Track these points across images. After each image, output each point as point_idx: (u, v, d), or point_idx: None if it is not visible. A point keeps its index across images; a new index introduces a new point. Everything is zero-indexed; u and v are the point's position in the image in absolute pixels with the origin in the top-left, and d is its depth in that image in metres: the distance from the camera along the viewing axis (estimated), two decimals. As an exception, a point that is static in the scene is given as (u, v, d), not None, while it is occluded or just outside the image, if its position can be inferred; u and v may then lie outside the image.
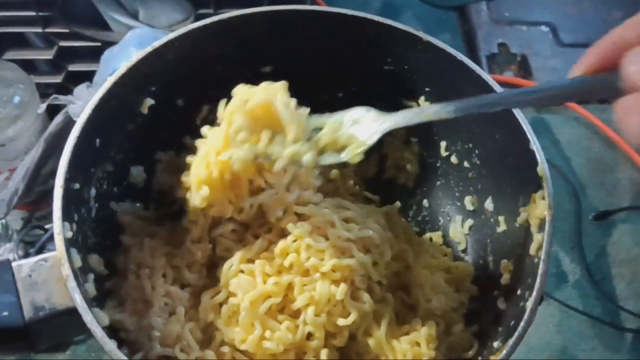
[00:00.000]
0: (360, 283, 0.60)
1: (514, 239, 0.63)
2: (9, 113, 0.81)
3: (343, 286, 0.58)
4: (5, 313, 0.50)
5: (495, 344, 0.56)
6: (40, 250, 0.78)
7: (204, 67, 0.68)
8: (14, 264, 0.53)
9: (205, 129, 0.61)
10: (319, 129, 0.56)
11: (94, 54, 0.89)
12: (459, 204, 0.73)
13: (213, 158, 0.58)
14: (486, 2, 1.26)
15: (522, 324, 0.52)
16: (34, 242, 0.81)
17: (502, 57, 1.18)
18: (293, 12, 0.67)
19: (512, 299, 0.59)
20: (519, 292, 0.57)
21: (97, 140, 0.60)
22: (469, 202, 0.72)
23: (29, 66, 0.92)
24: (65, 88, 0.93)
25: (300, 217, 0.62)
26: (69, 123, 0.78)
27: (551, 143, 1.07)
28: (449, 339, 0.63)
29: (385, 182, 0.78)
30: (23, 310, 0.51)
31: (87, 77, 0.85)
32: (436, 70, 0.66)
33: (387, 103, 0.58)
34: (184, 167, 0.70)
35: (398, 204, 0.74)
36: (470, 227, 0.72)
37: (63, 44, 0.94)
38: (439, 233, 0.75)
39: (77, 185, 0.57)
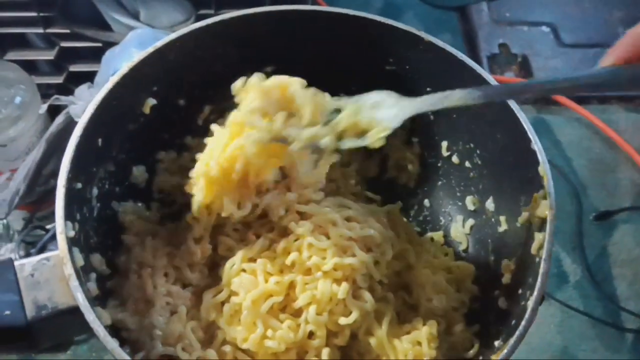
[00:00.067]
0: (361, 282, 0.60)
1: (515, 239, 0.63)
2: (10, 113, 0.81)
3: (345, 285, 0.58)
4: (8, 312, 0.51)
5: (496, 344, 0.56)
6: (41, 251, 0.78)
7: (205, 67, 0.68)
8: (16, 263, 0.53)
9: (214, 127, 0.61)
10: (336, 113, 0.55)
11: (95, 55, 0.89)
12: (460, 203, 0.73)
13: (221, 152, 0.57)
14: (487, 2, 1.26)
15: (523, 323, 0.52)
16: (35, 242, 0.81)
17: (503, 58, 1.18)
18: (294, 12, 0.67)
19: (513, 299, 0.59)
20: (520, 291, 0.57)
21: (99, 140, 0.61)
22: (470, 202, 0.72)
23: (30, 67, 0.92)
24: (67, 88, 0.94)
25: (302, 215, 0.62)
26: (70, 123, 0.78)
27: (552, 143, 1.08)
28: (450, 339, 0.63)
29: (386, 182, 0.78)
30: (25, 309, 0.51)
31: (88, 77, 0.85)
32: (437, 70, 0.66)
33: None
34: (186, 167, 0.70)
35: (399, 203, 0.74)
36: (472, 227, 0.72)
37: (64, 44, 0.94)
38: (440, 233, 0.75)
39: (79, 185, 0.57)
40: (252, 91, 0.56)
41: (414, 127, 0.74)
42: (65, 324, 0.53)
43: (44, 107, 0.82)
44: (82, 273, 0.53)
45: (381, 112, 0.54)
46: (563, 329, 0.89)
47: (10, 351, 0.59)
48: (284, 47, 0.68)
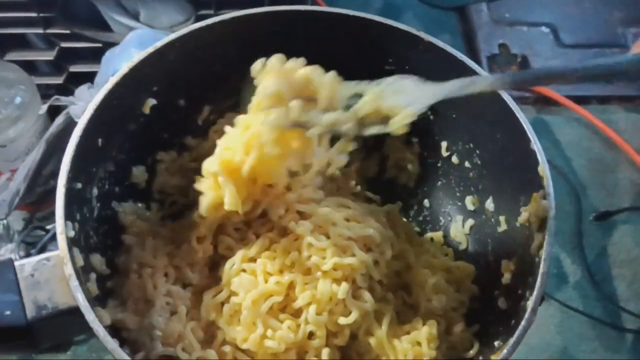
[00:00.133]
0: (361, 282, 0.60)
1: (514, 239, 0.63)
2: (10, 114, 0.81)
3: (345, 285, 0.58)
4: (8, 312, 0.51)
5: (496, 344, 0.57)
6: (41, 251, 0.77)
7: (205, 67, 0.68)
8: (16, 263, 0.53)
9: (227, 128, 0.60)
10: (356, 98, 0.53)
11: (95, 55, 0.89)
12: (459, 203, 0.73)
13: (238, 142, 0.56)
14: (486, 2, 1.26)
15: (522, 323, 0.52)
16: (35, 242, 0.81)
17: (503, 58, 1.18)
18: (294, 13, 0.67)
19: (513, 299, 0.59)
20: (519, 291, 0.57)
21: (99, 140, 0.61)
22: (469, 202, 0.72)
23: (30, 67, 0.92)
24: (67, 89, 0.94)
25: (302, 215, 0.62)
26: (70, 124, 0.78)
27: (552, 144, 1.08)
28: (450, 339, 0.63)
29: (386, 182, 0.78)
30: (25, 309, 0.51)
31: (88, 78, 0.85)
32: (437, 70, 0.66)
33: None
34: (186, 168, 0.70)
35: (399, 203, 0.74)
36: (471, 227, 0.72)
37: (64, 45, 0.94)
38: (440, 233, 0.75)
39: (79, 185, 0.57)
40: (271, 73, 0.54)
41: (414, 127, 0.74)
42: (65, 324, 0.53)
43: (44, 108, 0.82)
44: (82, 273, 0.53)
45: (405, 98, 0.52)
46: (562, 329, 0.89)
47: (11, 351, 0.59)
48: (284, 48, 0.68)
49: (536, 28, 1.24)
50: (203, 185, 0.59)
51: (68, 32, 0.93)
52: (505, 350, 0.52)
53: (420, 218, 0.77)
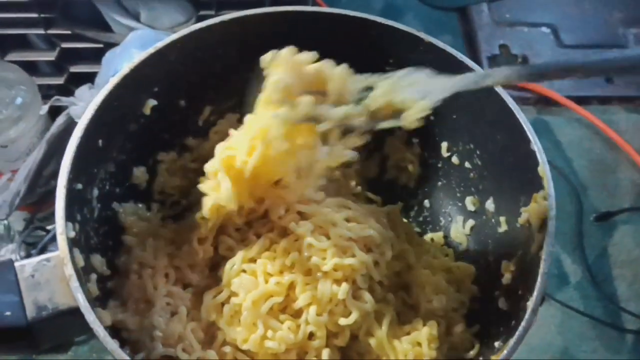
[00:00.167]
0: (361, 282, 0.60)
1: (515, 239, 0.63)
2: (11, 114, 0.81)
3: (345, 285, 0.58)
4: (8, 313, 0.51)
5: (496, 344, 0.57)
6: (42, 252, 0.78)
7: (206, 68, 0.68)
8: (16, 264, 0.53)
9: (232, 131, 0.60)
10: (367, 92, 0.52)
11: (96, 56, 0.89)
12: (460, 204, 0.73)
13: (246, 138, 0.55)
14: (487, 3, 1.26)
15: (523, 324, 0.52)
16: (36, 243, 0.81)
17: (503, 58, 1.18)
18: (295, 13, 0.67)
19: (513, 299, 0.59)
20: (520, 292, 0.57)
21: (100, 141, 0.61)
22: (470, 203, 0.72)
23: (31, 68, 0.92)
24: (67, 89, 0.94)
25: (302, 216, 0.62)
26: (70, 124, 0.79)
27: (552, 144, 1.08)
28: (450, 339, 0.63)
29: (386, 182, 0.78)
30: (26, 310, 0.51)
31: (89, 78, 0.86)
32: (438, 71, 0.66)
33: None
34: (186, 168, 0.70)
35: (400, 204, 0.74)
36: (472, 228, 0.72)
37: (65, 45, 0.94)
38: (440, 233, 0.75)
39: (79, 186, 0.57)
40: (281, 65, 0.54)
41: (414, 127, 0.74)
42: (65, 325, 0.53)
43: (44, 108, 0.82)
44: (83, 274, 0.53)
45: (418, 91, 0.50)
46: (563, 330, 0.89)
47: (11, 352, 0.59)
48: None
49: (536, 28, 1.24)
50: (206, 186, 0.59)
51: (69, 32, 0.93)
52: (505, 351, 0.52)
53: (421, 218, 0.77)
